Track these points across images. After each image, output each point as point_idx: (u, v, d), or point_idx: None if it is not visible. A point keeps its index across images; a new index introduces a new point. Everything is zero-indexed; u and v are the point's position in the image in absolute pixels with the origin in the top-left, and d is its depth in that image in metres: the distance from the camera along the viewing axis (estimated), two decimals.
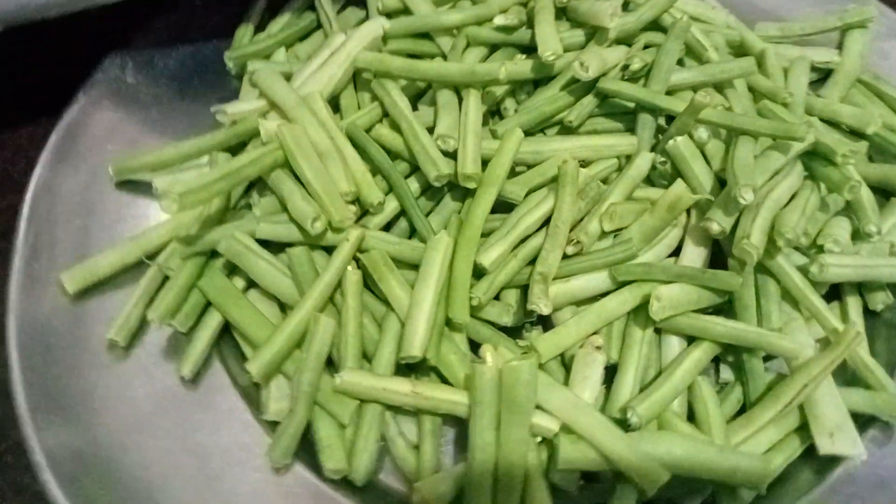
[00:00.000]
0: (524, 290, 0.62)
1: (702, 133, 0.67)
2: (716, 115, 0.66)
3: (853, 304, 0.67)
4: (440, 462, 0.59)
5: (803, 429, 0.60)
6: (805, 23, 0.83)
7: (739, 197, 0.60)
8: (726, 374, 0.65)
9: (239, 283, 0.64)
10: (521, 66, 0.70)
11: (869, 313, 0.68)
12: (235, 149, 0.70)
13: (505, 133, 0.66)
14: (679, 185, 0.63)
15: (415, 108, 0.73)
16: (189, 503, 0.56)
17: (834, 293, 0.68)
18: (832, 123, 0.76)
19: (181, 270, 0.62)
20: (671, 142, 0.66)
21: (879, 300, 0.67)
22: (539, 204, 0.64)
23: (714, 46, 0.75)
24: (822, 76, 0.82)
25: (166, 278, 0.64)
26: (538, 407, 0.56)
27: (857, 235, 0.68)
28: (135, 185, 0.70)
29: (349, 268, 0.61)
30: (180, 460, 0.58)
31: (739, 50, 0.81)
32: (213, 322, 0.62)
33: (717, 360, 0.65)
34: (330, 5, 0.80)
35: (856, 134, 0.76)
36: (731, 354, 0.64)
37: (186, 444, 0.58)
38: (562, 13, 0.78)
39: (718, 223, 0.62)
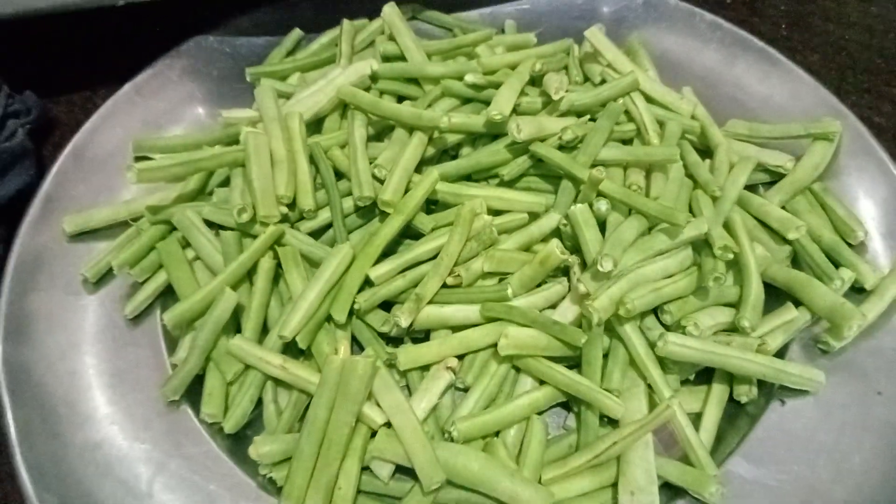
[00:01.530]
0: None
1: (601, 205, 0.74)
2: (612, 190, 0.73)
3: (717, 390, 0.71)
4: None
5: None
6: (774, 127, 0.87)
7: (599, 264, 0.67)
8: (571, 422, 0.71)
9: (191, 254, 0.78)
10: (471, 120, 0.80)
11: (736, 402, 0.72)
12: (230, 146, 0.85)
13: (425, 172, 0.76)
14: (553, 243, 0.71)
15: (381, 140, 0.85)
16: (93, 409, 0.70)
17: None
18: (763, 223, 0.81)
19: (147, 232, 0.77)
20: (571, 208, 0.74)
21: (743, 392, 0.71)
22: (437, 238, 0.74)
23: (657, 132, 0.81)
24: (778, 178, 0.85)
25: None
26: (377, 402, 0.66)
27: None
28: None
29: (267, 255, 0.74)
30: (100, 380, 0.72)
31: (702, 140, 0.87)
32: (161, 278, 0.77)
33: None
34: (349, 43, 0.94)
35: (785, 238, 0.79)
36: (576, 405, 0.70)
37: (107, 366, 0.72)
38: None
39: (585, 286, 0.69)
